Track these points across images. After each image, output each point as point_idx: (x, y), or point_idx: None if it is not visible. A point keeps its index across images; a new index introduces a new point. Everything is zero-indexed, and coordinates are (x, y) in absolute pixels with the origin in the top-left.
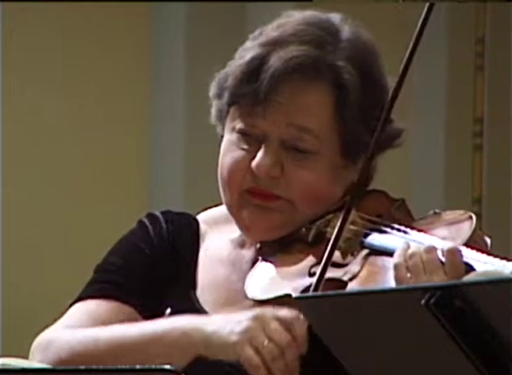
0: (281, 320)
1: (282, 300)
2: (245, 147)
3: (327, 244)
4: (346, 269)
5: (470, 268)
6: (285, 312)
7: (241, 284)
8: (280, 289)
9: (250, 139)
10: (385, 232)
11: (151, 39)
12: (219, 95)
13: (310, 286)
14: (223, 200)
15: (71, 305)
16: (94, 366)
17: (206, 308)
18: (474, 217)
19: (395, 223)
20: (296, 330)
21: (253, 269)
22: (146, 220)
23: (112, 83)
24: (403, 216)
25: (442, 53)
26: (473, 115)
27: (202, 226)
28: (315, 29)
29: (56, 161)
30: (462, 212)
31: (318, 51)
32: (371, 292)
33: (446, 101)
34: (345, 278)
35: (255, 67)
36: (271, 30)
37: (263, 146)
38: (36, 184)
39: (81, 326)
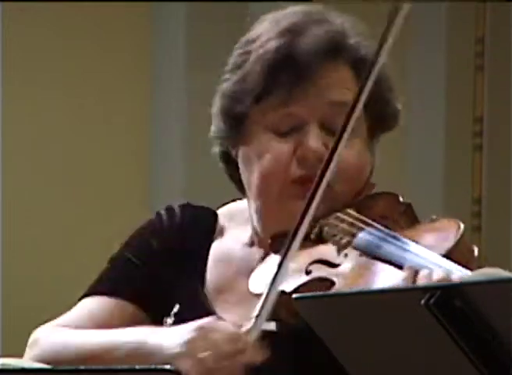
0: (223, 331)
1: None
2: (283, 140)
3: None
4: (337, 269)
5: None
6: (227, 325)
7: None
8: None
9: (287, 130)
10: (377, 236)
11: (151, 39)
12: (236, 101)
13: (303, 284)
14: (253, 206)
15: (80, 299)
16: (94, 366)
17: (214, 308)
18: (461, 227)
19: (396, 226)
20: (240, 342)
21: (261, 264)
22: (162, 212)
23: (112, 83)
24: (408, 221)
25: (442, 53)
26: (473, 115)
27: (221, 221)
28: (309, 18)
29: (56, 161)
30: (454, 220)
31: (332, 33)
32: (370, 292)
33: (446, 101)
34: (334, 278)
35: (283, 56)
36: (269, 27)
37: (307, 131)
38: (36, 184)
39: (78, 325)
